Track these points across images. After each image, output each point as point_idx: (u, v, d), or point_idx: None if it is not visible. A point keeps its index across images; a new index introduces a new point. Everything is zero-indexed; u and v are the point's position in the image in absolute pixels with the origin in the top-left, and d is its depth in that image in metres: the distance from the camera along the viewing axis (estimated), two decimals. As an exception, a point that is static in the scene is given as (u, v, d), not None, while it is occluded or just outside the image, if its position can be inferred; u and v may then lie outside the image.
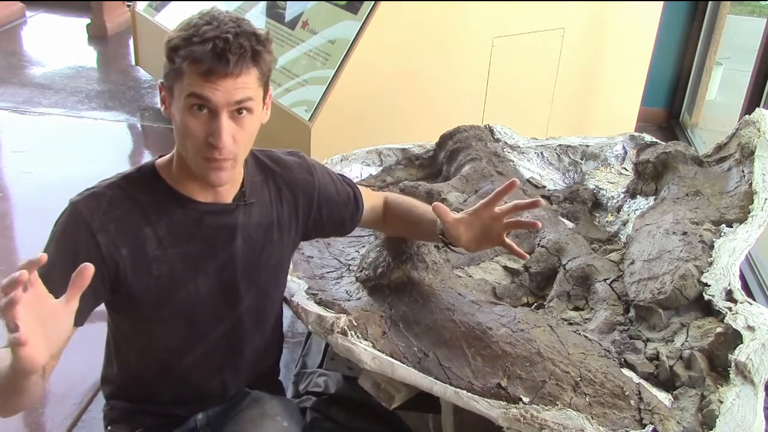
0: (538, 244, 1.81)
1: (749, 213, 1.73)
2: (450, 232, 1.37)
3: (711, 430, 1.23)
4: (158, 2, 4.07)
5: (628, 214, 1.99)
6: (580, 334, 1.49)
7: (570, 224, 1.99)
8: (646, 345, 1.46)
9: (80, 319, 1.18)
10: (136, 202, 1.21)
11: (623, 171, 2.24)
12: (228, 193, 1.28)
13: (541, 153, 2.29)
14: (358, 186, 1.51)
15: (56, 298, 1.08)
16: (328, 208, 1.45)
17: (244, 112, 1.17)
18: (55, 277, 1.12)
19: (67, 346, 1.16)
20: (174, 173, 1.24)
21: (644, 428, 1.25)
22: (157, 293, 1.24)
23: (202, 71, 1.11)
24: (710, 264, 1.55)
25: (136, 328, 1.28)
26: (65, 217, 1.18)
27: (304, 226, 1.43)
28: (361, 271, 1.64)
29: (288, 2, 3.15)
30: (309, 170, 1.44)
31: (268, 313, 1.43)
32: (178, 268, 1.25)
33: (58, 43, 5.46)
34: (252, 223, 1.32)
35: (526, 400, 1.30)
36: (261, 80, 1.18)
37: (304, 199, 1.41)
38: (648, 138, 2.30)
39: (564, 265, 1.73)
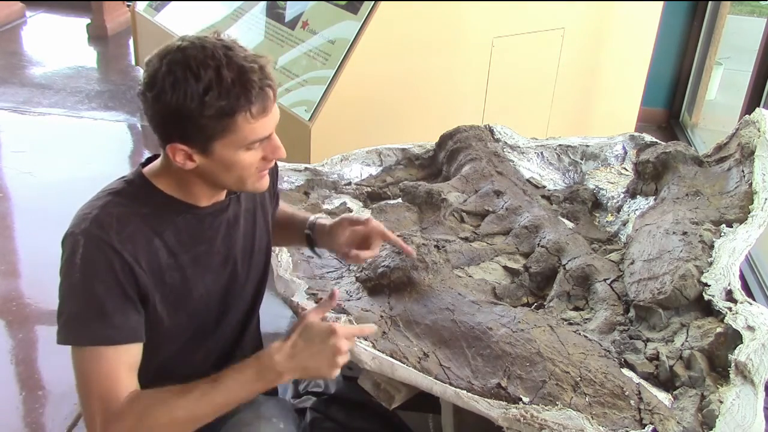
0: (538, 244, 1.81)
1: (749, 213, 1.73)
2: (325, 228, 1.47)
3: (711, 430, 1.23)
4: (158, 2, 4.07)
5: (628, 214, 1.99)
6: (580, 334, 1.49)
7: (570, 224, 1.99)
8: (646, 345, 1.46)
9: (142, 331, 1.19)
10: (140, 216, 1.20)
11: (623, 171, 2.24)
12: (222, 192, 1.30)
13: (541, 153, 2.29)
14: None
15: (125, 329, 1.15)
16: (276, 185, 1.52)
17: None
18: (114, 309, 1.14)
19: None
20: (176, 183, 1.23)
21: (644, 428, 1.25)
22: (173, 300, 1.25)
23: (256, 111, 1.11)
24: (710, 264, 1.55)
25: (151, 334, 1.28)
26: (84, 248, 1.14)
27: (271, 201, 1.49)
28: (361, 271, 1.64)
29: (288, 2, 3.15)
30: None
31: (261, 297, 1.47)
32: (189, 273, 1.26)
33: (58, 43, 5.46)
34: (242, 210, 1.36)
35: (526, 400, 1.30)
36: None
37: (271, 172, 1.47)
38: (648, 138, 2.30)
39: (564, 265, 1.73)
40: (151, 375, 1.32)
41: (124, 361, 1.15)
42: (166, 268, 1.22)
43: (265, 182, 1.24)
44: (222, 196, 1.30)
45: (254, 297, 1.44)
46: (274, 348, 1.15)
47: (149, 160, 1.27)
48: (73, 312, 1.14)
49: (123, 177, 1.26)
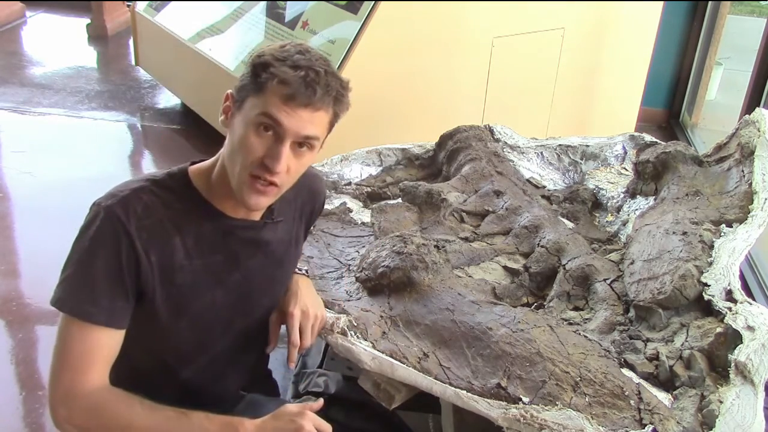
0: (538, 244, 1.81)
1: (749, 213, 1.73)
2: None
3: (711, 430, 1.23)
4: (158, 2, 4.08)
5: (628, 214, 1.99)
6: (580, 334, 1.49)
7: (570, 224, 1.99)
8: (646, 345, 1.46)
9: (124, 321, 1.19)
10: (169, 210, 1.20)
11: (623, 171, 2.24)
12: (258, 211, 1.29)
13: (541, 153, 2.29)
14: None
15: (107, 311, 1.15)
16: (314, 220, 1.51)
17: (305, 147, 1.18)
18: (104, 289, 1.14)
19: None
20: (212, 185, 1.24)
21: (644, 428, 1.25)
22: (177, 302, 1.24)
23: (286, 93, 1.12)
24: (710, 264, 1.55)
25: (146, 332, 1.27)
26: (101, 222, 1.15)
27: (305, 235, 1.48)
28: (361, 271, 1.64)
29: (288, 2, 3.15)
30: (322, 182, 1.49)
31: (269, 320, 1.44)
32: (200, 279, 1.25)
33: (58, 43, 5.46)
34: (276, 239, 1.34)
35: (526, 400, 1.30)
36: (331, 123, 1.20)
37: (314, 211, 1.46)
38: (648, 138, 2.30)
39: (564, 265, 1.73)
40: (157, 371, 1.32)
41: (104, 347, 1.17)
42: (178, 269, 1.21)
43: (255, 200, 1.19)
44: (254, 212, 1.28)
45: (265, 323, 1.41)
46: (247, 418, 1.18)
47: (203, 160, 1.28)
48: (68, 277, 1.16)
49: (167, 170, 1.26)
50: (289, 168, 1.17)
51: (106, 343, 1.17)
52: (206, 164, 1.26)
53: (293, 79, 1.11)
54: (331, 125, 1.21)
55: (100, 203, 1.17)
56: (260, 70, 1.13)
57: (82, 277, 1.15)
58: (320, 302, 1.46)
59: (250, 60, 1.17)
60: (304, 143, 1.17)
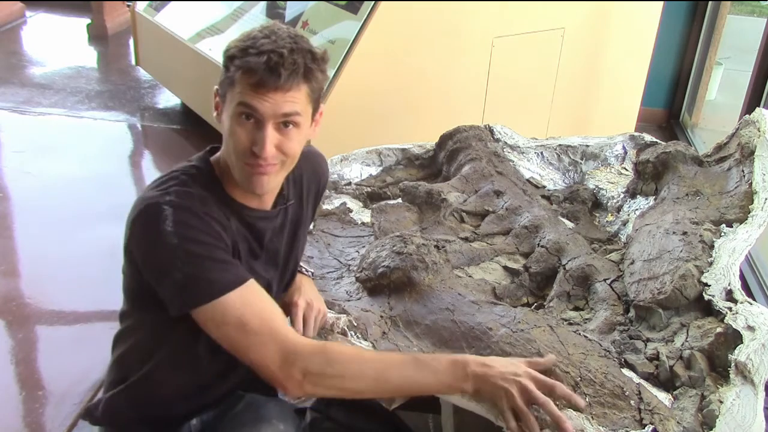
0: (538, 244, 1.81)
1: (749, 213, 1.73)
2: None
3: (711, 430, 1.23)
4: (158, 2, 4.08)
5: (628, 214, 1.99)
6: (580, 334, 1.48)
7: (570, 224, 1.99)
8: (646, 345, 1.46)
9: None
10: (213, 199, 1.24)
11: (623, 171, 2.24)
12: (269, 198, 1.33)
13: (541, 153, 2.29)
14: None
15: (241, 268, 1.21)
16: (320, 201, 1.57)
17: (291, 125, 1.20)
18: (223, 258, 1.18)
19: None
20: (225, 177, 1.28)
21: (644, 428, 1.25)
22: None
23: (253, 82, 1.15)
24: (710, 264, 1.55)
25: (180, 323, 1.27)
26: (174, 215, 1.16)
27: (312, 217, 1.53)
28: (361, 271, 1.64)
29: (288, 2, 3.15)
30: (324, 160, 1.53)
31: None
32: (245, 261, 1.30)
33: (58, 43, 5.46)
34: (289, 221, 1.39)
35: (526, 400, 1.30)
36: (311, 97, 1.22)
37: (319, 190, 1.51)
38: (648, 138, 2.29)
39: (564, 265, 1.73)
40: (181, 361, 1.32)
41: (265, 299, 1.21)
42: (235, 251, 1.25)
43: (258, 183, 1.22)
44: (265, 200, 1.32)
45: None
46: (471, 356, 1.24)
47: (215, 149, 1.31)
48: (187, 274, 1.16)
49: (190, 162, 1.28)
50: (282, 149, 1.20)
51: (264, 294, 1.22)
52: (219, 156, 1.29)
53: (257, 66, 1.14)
54: (314, 98, 1.22)
55: (157, 202, 1.17)
56: (229, 64, 1.18)
57: (199, 264, 1.16)
58: (322, 300, 1.49)
59: (227, 48, 1.20)
60: (287, 122, 1.19)
